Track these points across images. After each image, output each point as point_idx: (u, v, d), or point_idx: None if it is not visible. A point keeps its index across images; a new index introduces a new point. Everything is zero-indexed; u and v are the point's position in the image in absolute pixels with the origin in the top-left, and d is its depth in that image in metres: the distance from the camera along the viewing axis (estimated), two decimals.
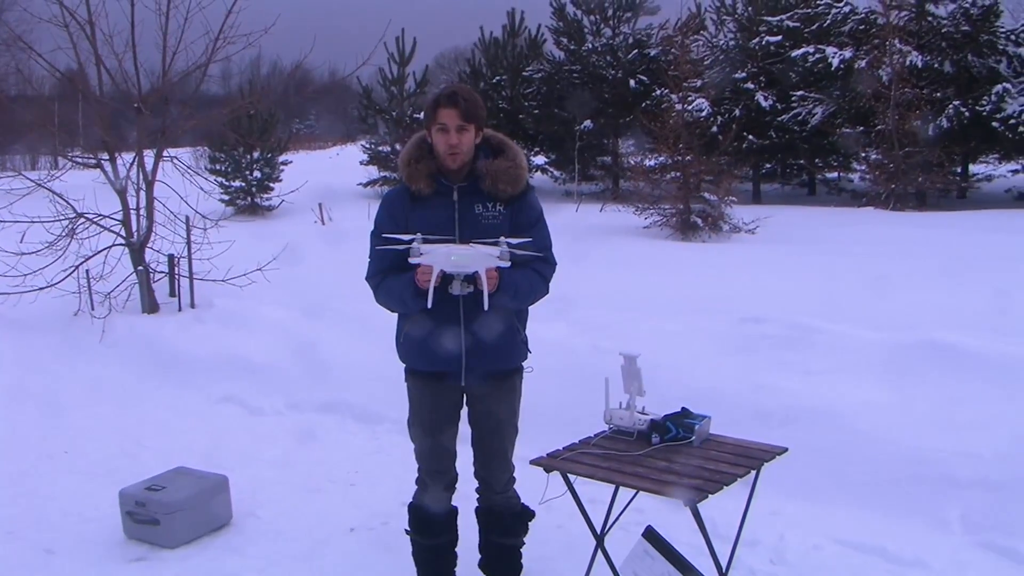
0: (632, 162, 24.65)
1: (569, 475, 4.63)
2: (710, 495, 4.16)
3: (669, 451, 4.67)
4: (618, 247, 15.18)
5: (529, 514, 5.16)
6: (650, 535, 4.51)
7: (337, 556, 5.80)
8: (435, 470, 4.98)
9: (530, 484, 6.66)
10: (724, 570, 4.56)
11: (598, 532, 4.88)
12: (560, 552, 5.67)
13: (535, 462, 4.74)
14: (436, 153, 4.61)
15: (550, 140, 30.05)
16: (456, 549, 5.19)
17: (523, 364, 4.96)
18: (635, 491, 4.60)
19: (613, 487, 4.79)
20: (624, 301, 9.97)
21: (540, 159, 31.50)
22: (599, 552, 4.90)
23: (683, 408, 4.92)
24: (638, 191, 19.88)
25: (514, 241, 4.41)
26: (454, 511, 5.14)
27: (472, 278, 4.42)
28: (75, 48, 11.41)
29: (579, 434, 5.16)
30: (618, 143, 29.21)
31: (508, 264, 4.37)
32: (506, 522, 5.08)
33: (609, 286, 11.05)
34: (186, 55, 11.63)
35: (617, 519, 4.95)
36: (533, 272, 4.59)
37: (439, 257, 4.37)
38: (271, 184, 25.45)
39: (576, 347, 8.28)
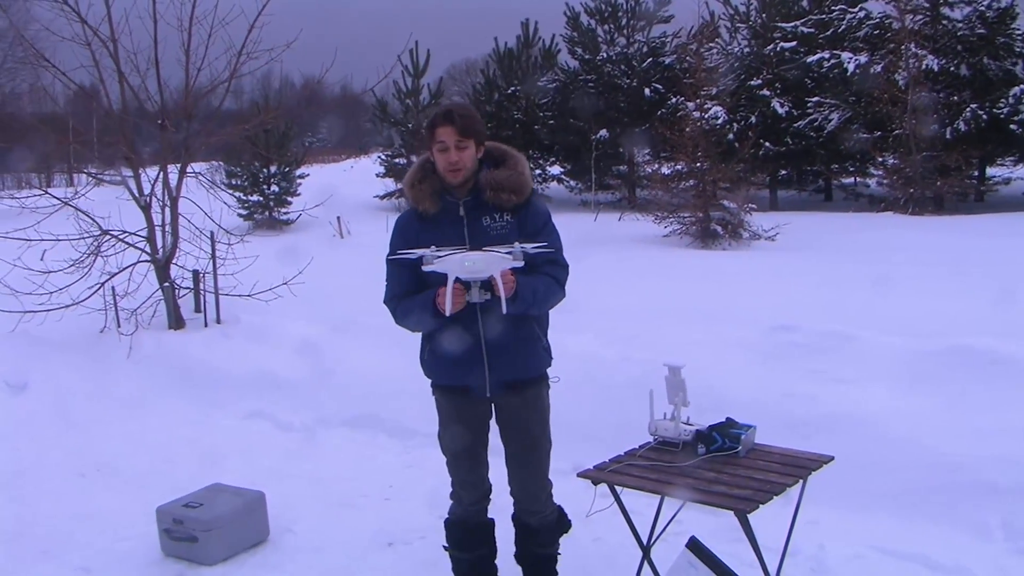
0: (649, 171, 24.64)
1: (616, 487, 4.60)
2: (761, 505, 4.14)
3: (716, 462, 4.66)
4: (639, 256, 15.15)
5: (566, 523, 5.18)
6: (694, 546, 4.49)
7: (376, 571, 5.79)
8: (467, 482, 5.02)
9: (566, 495, 6.67)
10: None
11: (644, 543, 4.85)
12: (600, 564, 5.65)
13: (583, 474, 4.72)
14: (439, 172, 4.67)
15: (566, 150, 30.06)
16: (495, 561, 5.21)
17: (547, 372, 4.95)
18: (682, 502, 4.59)
19: (657, 499, 4.77)
20: (651, 311, 9.93)
21: (556, 169, 31.52)
22: (645, 563, 4.88)
23: (728, 418, 4.90)
24: (656, 200, 19.87)
25: (529, 247, 4.42)
26: (490, 523, 5.16)
27: (488, 284, 4.42)
28: (97, 65, 11.43)
29: (611, 445, 5.15)
30: (634, 152, 29.19)
31: (522, 263, 4.37)
32: (542, 533, 5.08)
33: (634, 296, 11.02)
34: (209, 71, 11.67)
35: (664, 530, 4.92)
36: (548, 277, 4.61)
37: (453, 264, 4.38)
38: (289, 198, 25.51)
39: (605, 358, 8.26)
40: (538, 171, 31.18)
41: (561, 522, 5.19)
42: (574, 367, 8.24)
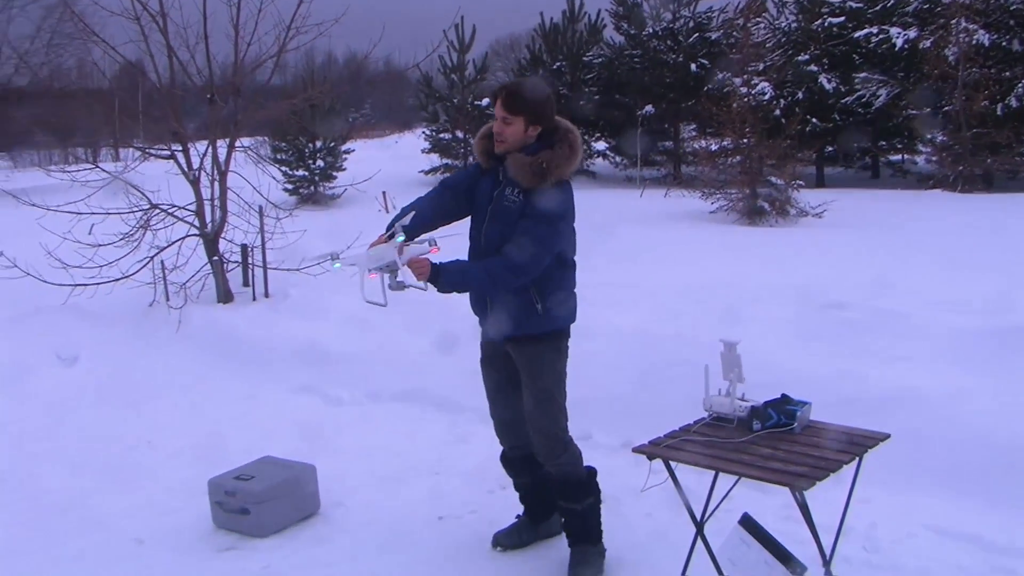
0: (695, 147, 24.48)
1: (671, 462, 4.58)
2: (818, 482, 4.11)
3: (771, 438, 4.63)
4: (687, 233, 15.10)
5: (594, 488, 5.40)
6: (746, 522, 4.46)
7: (428, 545, 5.79)
8: (499, 423, 5.59)
9: (617, 470, 6.67)
10: (828, 558, 4.49)
11: (698, 519, 4.83)
12: (652, 540, 5.64)
13: (638, 449, 4.70)
14: None
15: (611, 125, 29.92)
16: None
17: (542, 334, 5.17)
18: (736, 478, 4.57)
19: (710, 475, 4.75)
20: (700, 287, 9.88)
21: (601, 145, 31.37)
22: (698, 539, 4.86)
23: (783, 395, 4.87)
24: (702, 176, 19.75)
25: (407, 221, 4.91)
26: (532, 458, 5.45)
27: (396, 272, 4.82)
28: (146, 40, 11.48)
29: (661, 421, 5.12)
30: (679, 128, 29.02)
31: (402, 238, 4.76)
32: (562, 486, 5.35)
33: (683, 272, 10.97)
34: (258, 46, 11.69)
35: (718, 506, 4.89)
36: (493, 260, 4.94)
37: (360, 259, 4.92)
38: (334, 173, 25.54)
39: (655, 334, 8.24)
40: (584, 147, 31.10)
41: (588, 484, 5.38)
42: (623, 343, 8.29)
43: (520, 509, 5.79)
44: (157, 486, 6.87)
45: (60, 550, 5.94)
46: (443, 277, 4.80)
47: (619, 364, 7.94)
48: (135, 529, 6.19)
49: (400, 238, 4.77)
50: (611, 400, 7.55)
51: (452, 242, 5.46)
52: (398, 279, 4.85)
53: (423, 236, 5.02)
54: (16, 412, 8.51)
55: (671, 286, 9.99)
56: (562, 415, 5.29)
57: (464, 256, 5.14)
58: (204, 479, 6.27)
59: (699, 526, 4.85)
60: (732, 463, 4.40)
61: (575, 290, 5.33)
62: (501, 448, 5.66)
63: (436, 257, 4.78)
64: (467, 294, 5.24)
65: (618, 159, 30.84)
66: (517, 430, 5.47)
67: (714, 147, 21.47)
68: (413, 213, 5.00)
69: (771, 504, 5.44)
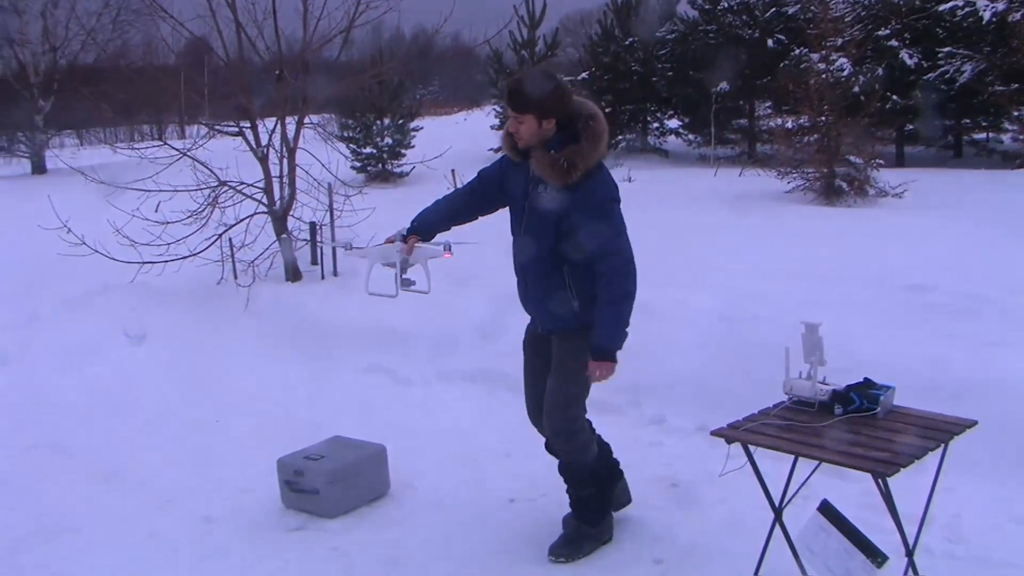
0: (771, 125, 24.19)
1: (750, 446, 4.55)
2: (902, 469, 4.06)
3: (853, 423, 4.57)
4: (762, 212, 14.94)
5: (590, 475, 5.50)
6: (826, 510, 4.42)
7: (500, 527, 5.83)
8: (531, 410, 5.66)
9: (689, 453, 6.65)
10: (911, 548, 4.43)
11: (777, 506, 4.80)
12: (726, 526, 5.62)
13: (716, 433, 4.66)
14: None
15: (684, 103, 29.68)
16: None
17: (579, 327, 5.20)
18: (816, 464, 4.53)
19: (789, 460, 4.71)
20: (777, 268, 9.80)
21: (674, 123, 31.16)
22: (776, 526, 4.82)
23: (865, 378, 4.81)
24: (778, 154, 19.53)
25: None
26: None
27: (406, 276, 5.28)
28: (213, 15, 11.55)
29: (737, 405, 5.09)
30: (755, 105, 28.73)
31: (447, 253, 5.25)
32: (562, 470, 5.54)
33: (759, 253, 10.88)
34: (328, 21, 11.73)
35: (796, 493, 4.85)
36: (601, 281, 5.02)
37: (371, 253, 5.39)
38: (402, 151, 25.57)
39: (731, 316, 8.18)
40: (655, 124, 30.91)
41: (592, 475, 5.49)
42: (697, 325, 8.24)
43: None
44: (226, 465, 6.96)
45: (130, 528, 6.03)
46: (613, 345, 5.07)
47: (693, 346, 7.90)
48: (204, 508, 6.27)
49: (400, 259, 5.23)
50: (685, 383, 7.53)
51: (467, 251, 5.55)
52: (404, 276, 5.27)
53: (439, 239, 5.36)
54: (84, 390, 8.63)
55: (747, 267, 9.91)
56: (577, 404, 5.37)
57: (484, 258, 5.42)
58: (273, 458, 6.34)
59: (777, 513, 4.81)
60: (813, 448, 4.36)
61: None
62: (544, 438, 5.64)
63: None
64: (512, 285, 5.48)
65: (691, 137, 30.58)
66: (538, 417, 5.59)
67: (790, 125, 21.17)
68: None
69: (851, 491, 5.38)
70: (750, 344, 7.43)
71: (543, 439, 5.62)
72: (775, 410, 4.79)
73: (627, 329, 5.10)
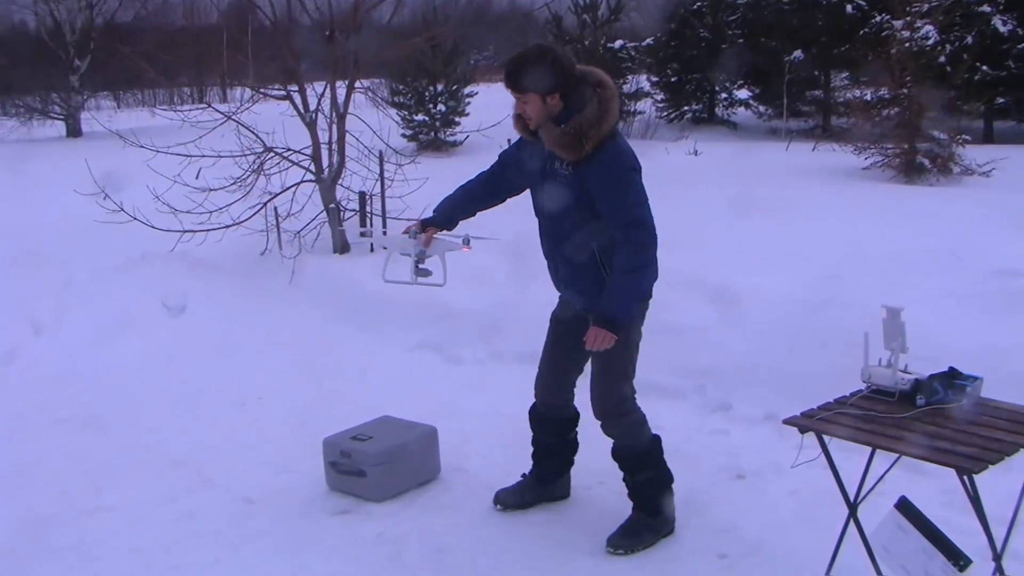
0: (849, 96, 23.92)
1: (824, 436, 4.52)
2: (990, 465, 4.01)
3: (936, 415, 4.50)
4: (837, 190, 14.79)
5: (644, 458, 5.51)
6: (904, 507, 4.36)
7: (554, 516, 5.83)
8: (541, 375, 5.85)
9: (756, 442, 6.61)
10: (999, 552, 4.37)
11: (852, 501, 4.76)
12: (796, 521, 5.58)
13: (789, 421, 4.63)
14: None
15: (755, 72, 29.45)
16: (566, 454, 6.01)
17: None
18: (896, 457, 4.49)
19: (866, 453, 4.67)
20: (853, 250, 9.71)
21: (743, 93, 30.95)
22: (850, 523, 4.79)
23: (951, 368, 4.75)
24: (855, 128, 19.33)
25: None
26: (562, 422, 5.88)
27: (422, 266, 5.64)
28: None
29: (809, 393, 5.06)
30: (830, 75, 28.45)
31: (466, 247, 5.54)
32: (616, 456, 5.59)
33: (833, 233, 10.78)
34: None
35: (873, 487, 4.82)
36: (623, 261, 5.04)
37: (390, 242, 5.80)
38: (456, 118, 25.53)
39: (803, 299, 8.11)
40: (724, 95, 30.73)
41: (646, 457, 5.52)
42: (767, 308, 8.20)
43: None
44: (268, 445, 7.01)
45: (169, 507, 6.09)
46: (618, 316, 5.07)
47: (763, 330, 7.86)
48: (245, 488, 6.32)
49: (418, 250, 5.54)
50: (753, 368, 7.50)
51: (485, 246, 5.68)
52: (421, 266, 5.61)
53: (462, 227, 5.63)
54: (121, 363, 8.72)
55: (820, 248, 9.82)
56: (624, 383, 5.42)
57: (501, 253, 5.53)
58: (318, 438, 6.37)
59: (852, 508, 4.78)
60: (892, 440, 4.30)
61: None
62: (533, 404, 5.87)
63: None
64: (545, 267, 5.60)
65: (762, 109, 30.37)
66: (556, 389, 5.76)
67: (869, 97, 20.95)
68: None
69: (931, 488, 5.34)
70: (824, 328, 7.38)
71: (534, 406, 5.90)
72: (852, 399, 4.74)
73: (638, 303, 5.17)
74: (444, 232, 5.66)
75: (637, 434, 5.46)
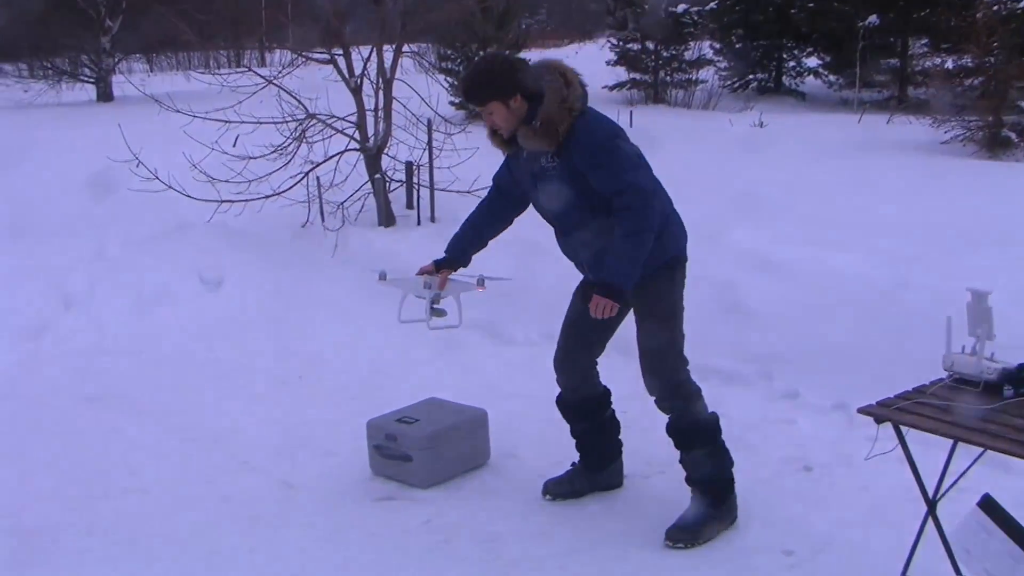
0: (928, 65, 23.68)
1: (902, 427, 4.48)
2: None
3: None
4: (914, 165, 14.69)
5: (700, 433, 5.48)
6: (988, 505, 4.29)
7: (608, 505, 5.83)
8: (560, 355, 5.94)
9: (823, 432, 6.57)
10: None
11: (931, 498, 4.72)
12: (868, 518, 5.53)
13: (864, 410, 4.58)
14: None
15: (826, 39, 29.19)
16: (602, 436, 6.03)
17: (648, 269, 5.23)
18: (980, 451, 4.44)
19: (946, 446, 4.62)
20: (932, 229, 9.64)
21: (813, 61, 30.70)
22: (928, 521, 4.75)
23: None
24: (935, 99, 19.14)
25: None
26: (588, 403, 5.95)
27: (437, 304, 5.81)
28: None
29: (884, 382, 5.01)
30: (908, 42, 28.17)
31: (480, 287, 5.64)
32: (670, 433, 5.56)
33: (910, 211, 10.70)
34: None
35: (954, 484, 4.77)
36: (620, 227, 5.06)
37: (405, 284, 5.95)
38: None
39: (877, 281, 8.07)
40: (792, 63, 30.52)
41: (702, 433, 5.49)
42: (839, 289, 8.16)
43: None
44: (309, 426, 7.04)
45: (203, 491, 6.13)
46: (618, 282, 5.10)
47: (833, 312, 7.82)
48: (284, 472, 6.36)
49: (433, 294, 5.74)
50: (823, 354, 7.46)
51: (499, 287, 5.79)
52: (435, 306, 5.78)
53: (475, 265, 5.84)
54: (155, 339, 8.79)
55: (896, 226, 9.76)
56: (673, 351, 5.44)
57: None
58: (362, 420, 6.39)
59: (931, 505, 4.71)
60: (977, 433, 4.22)
61: (673, 215, 5.45)
62: (559, 391, 5.93)
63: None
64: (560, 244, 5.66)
65: (832, 78, 30.12)
66: (575, 367, 5.83)
67: (950, 65, 20.75)
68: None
69: (1018, 486, 5.30)
70: (899, 313, 7.34)
71: (560, 394, 5.96)
72: (931, 388, 4.69)
73: (640, 267, 5.13)
74: (459, 270, 5.85)
75: (694, 407, 5.46)
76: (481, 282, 5.65)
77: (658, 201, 5.16)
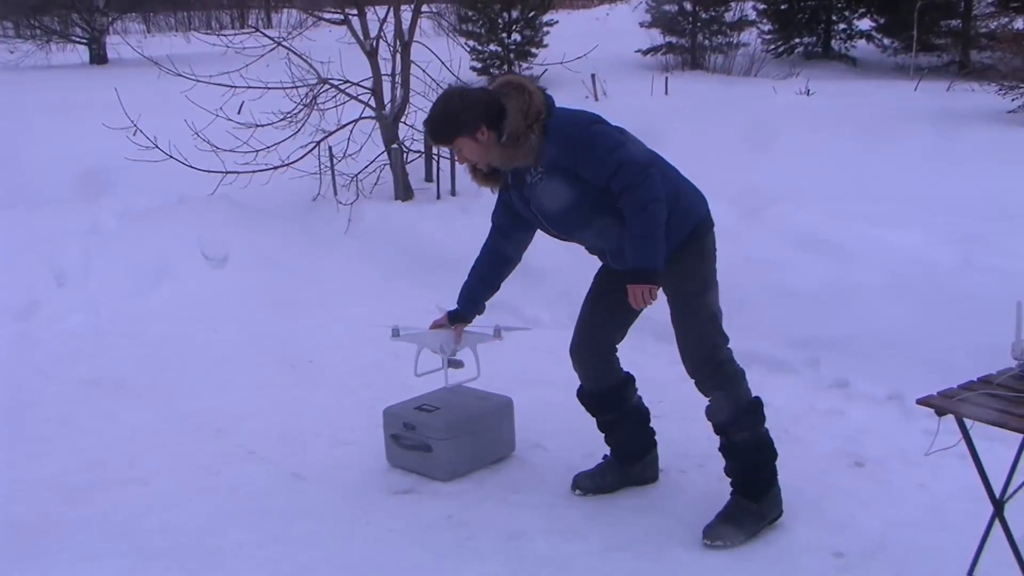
0: (993, 26, 23.54)
1: (966, 421, 4.44)
2: None
3: None
4: (977, 137, 14.60)
5: (743, 417, 5.46)
6: None
7: (642, 501, 5.82)
8: (577, 340, 5.99)
9: (877, 423, 6.55)
10: None
11: (998, 497, 4.69)
12: (927, 518, 5.48)
13: (923, 401, 4.54)
14: None
15: (880, 0, 29.14)
16: (631, 424, 6.07)
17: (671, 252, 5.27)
18: None
19: (1018, 441, 4.59)
20: (997, 207, 9.59)
21: (865, 24, 30.58)
22: (995, 523, 4.72)
23: None
24: (1001, 64, 19.02)
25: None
26: (611, 391, 5.99)
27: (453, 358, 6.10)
28: None
29: (946, 371, 4.98)
30: (972, 2, 28.02)
31: (496, 338, 6.05)
32: (709, 416, 5.56)
33: (974, 186, 10.65)
34: None
35: (1022, 484, 4.73)
36: (626, 209, 5.12)
37: (419, 338, 6.18)
38: (533, 50, 25.46)
39: (939, 262, 8.03)
40: (842, 26, 30.41)
41: (744, 417, 5.46)
42: (896, 270, 8.12)
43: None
44: (321, 414, 7.06)
45: (206, 482, 6.14)
46: (649, 264, 5.13)
47: (889, 296, 7.79)
48: (293, 462, 6.37)
49: (449, 348, 6.02)
50: (877, 340, 7.44)
51: (518, 337, 6.08)
52: (451, 357, 6.04)
53: (488, 321, 6.07)
54: (155, 318, 8.84)
55: (957, 202, 9.71)
56: (712, 327, 5.45)
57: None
58: (377, 408, 6.41)
59: (998, 506, 4.67)
60: None
61: (682, 182, 5.50)
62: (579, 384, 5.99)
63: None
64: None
65: (886, 42, 30.01)
66: (593, 355, 5.89)
67: (1021, 26, 20.63)
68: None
69: None
70: (961, 296, 7.30)
71: (580, 386, 6.00)
72: (999, 378, 4.63)
73: (662, 240, 5.15)
74: (476, 319, 6.04)
75: (735, 389, 5.45)
76: (498, 332, 5.95)
77: (655, 168, 5.19)
